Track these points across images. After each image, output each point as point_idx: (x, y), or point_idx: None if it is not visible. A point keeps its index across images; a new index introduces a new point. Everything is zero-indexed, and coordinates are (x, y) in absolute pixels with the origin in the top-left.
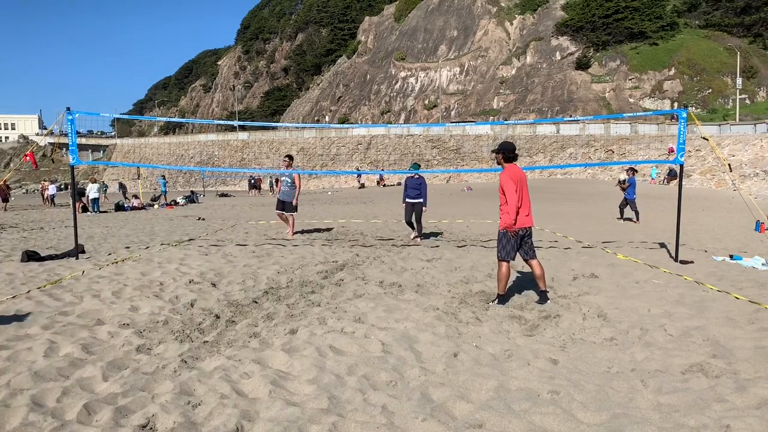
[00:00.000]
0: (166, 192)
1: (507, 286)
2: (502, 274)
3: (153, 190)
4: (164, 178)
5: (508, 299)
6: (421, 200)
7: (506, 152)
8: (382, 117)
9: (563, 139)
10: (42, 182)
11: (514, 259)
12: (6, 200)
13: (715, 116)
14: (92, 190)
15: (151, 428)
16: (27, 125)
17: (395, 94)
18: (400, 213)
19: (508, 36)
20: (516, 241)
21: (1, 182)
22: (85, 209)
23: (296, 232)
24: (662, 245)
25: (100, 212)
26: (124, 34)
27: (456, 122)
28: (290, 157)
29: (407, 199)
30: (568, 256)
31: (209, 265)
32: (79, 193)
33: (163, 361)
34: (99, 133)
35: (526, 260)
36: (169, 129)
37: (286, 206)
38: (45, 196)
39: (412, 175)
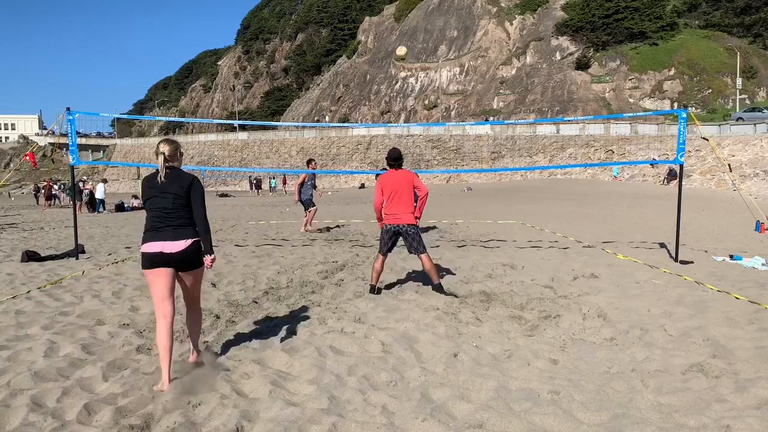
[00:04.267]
0: None
1: (378, 279)
2: (374, 267)
3: None
4: None
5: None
6: None
7: (387, 159)
8: (382, 117)
9: (563, 139)
10: (46, 180)
11: (388, 253)
12: (49, 198)
13: (715, 116)
14: (98, 191)
15: (151, 428)
16: (27, 125)
17: (395, 94)
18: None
19: (508, 36)
20: (389, 237)
21: (46, 182)
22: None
23: (308, 231)
24: (662, 245)
25: (100, 212)
26: (125, 34)
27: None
28: (310, 161)
29: None
30: (568, 256)
31: None
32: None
33: None
34: (102, 134)
35: (416, 255)
36: (169, 129)
37: (305, 203)
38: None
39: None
